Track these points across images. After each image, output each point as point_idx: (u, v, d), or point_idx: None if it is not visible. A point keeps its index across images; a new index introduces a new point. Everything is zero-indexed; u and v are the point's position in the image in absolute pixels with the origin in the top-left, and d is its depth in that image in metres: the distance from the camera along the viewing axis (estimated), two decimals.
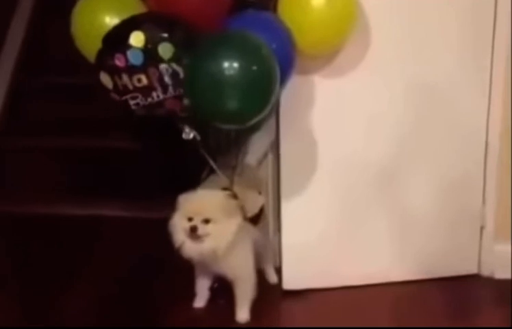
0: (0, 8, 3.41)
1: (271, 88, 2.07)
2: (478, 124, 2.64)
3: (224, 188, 2.44)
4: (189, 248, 2.35)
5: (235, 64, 1.99)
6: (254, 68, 2.03)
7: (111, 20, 2.17)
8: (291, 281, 2.71)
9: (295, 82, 2.40)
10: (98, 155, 3.17)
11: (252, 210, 2.48)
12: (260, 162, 2.72)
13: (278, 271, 2.74)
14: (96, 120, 3.14)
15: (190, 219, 2.32)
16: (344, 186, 2.65)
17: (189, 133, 2.31)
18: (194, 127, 2.30)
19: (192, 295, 2.62)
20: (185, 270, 2.64)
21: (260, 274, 2.71)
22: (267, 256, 2.74)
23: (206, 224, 2.32)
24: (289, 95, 2.44)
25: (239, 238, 2.38)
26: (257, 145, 2.66)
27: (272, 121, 2.60)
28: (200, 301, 2.60)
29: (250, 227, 2.47)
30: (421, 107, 2.60)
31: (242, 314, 2.49)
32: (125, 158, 3.13)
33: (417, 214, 2.69)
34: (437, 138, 2.64)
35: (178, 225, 2.35)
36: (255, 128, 2.42)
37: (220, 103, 2.03)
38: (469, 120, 2.64)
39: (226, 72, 1.99)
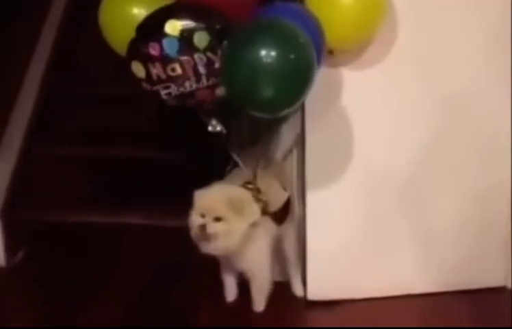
0: (31, 17, 3.43)
1: (308, 77, 2.06)
2: (503, 134, 2.62)
3: (247, 182, 2.42)
4: (202, 245, 2.35)
5: (273, 52, 1.99)
6: (292, 56, 2.02)
7: (139, 11, 2.17)
8: (315, 291, 2.68)
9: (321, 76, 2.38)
10: (122, 164, 3.18)
11: (275, 205, 2.46)
12: (285, 157, 2.69)
13: (303, 281, 2.72)
14: (122, 130, 3.19)
15: (203, 216, 2.32)
16: (369, 196, 2.63)
17: (215, 126, 2.30)
18: (219, 120, 2.30)
19: (212, 302, 2.63)
20: (207, 277, 2.68)
21: (284, 285, 2.72)
22: (294, 265, 2.71)
23: (216, 222, 2.31)
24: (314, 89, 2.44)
25: (256, 235, 2.37)
26: (282, 139, 2.65)
27: (297, 115, 2.59)
28: (229, 295, 2.61)
29: (269, 223, 2.45)
30: (446, 117, 2.58)
31: (258, 307, 2.52)
32: (149, 167, 3.15)
33: (443, 225, 2.67)
34: (462, 148, 2.62)
35: (193, 222, 2.34)
36: (283, 119, 2.42)
37: (256, 91, 2.02)
38: (495, 131, 2.61)
39: (264, 60, 1.98)
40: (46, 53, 3.47)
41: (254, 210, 2.37)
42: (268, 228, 2.46)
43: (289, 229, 2.62)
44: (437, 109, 2.58)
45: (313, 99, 2.46)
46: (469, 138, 2.62)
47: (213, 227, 2.30)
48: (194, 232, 2.34)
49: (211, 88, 2.16)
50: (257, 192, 2.41)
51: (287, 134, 2.65)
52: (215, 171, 2.49)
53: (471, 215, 2.67)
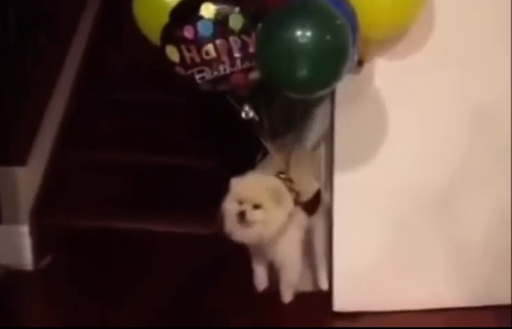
0: (62, 25, 3.49)
1: (343, 58, 2.05)
2: None
3: (279, 172, 2.41)
4: (238, 232, 2.31)
5: (309, 33, 1.98)
6: (328, 37, 2.02)
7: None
8: (342, 303, 2.65)
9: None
10: (151, 171, 3.20)
11: (306, 195, 2.45)
12: (315, 147, 2.68)
13: (329, 292, 2.69)
14: (151, 137, 3.21)
15: (240, 203, 2.30)
16: (399, 207, 2.61)
17: (248, 113, 2.29)
18: (252, 107, 2.29)
19: (242, 310, 2.62)
20: (236, 285, 2.69)
21: (311, 295, 2.71)
22: (321, 258, 2.69)
23: (256, 210, 2.28)
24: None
25: (289, 225, 2.35)
26: (312, 130, 2.64)
27: (327, 107, 2.58)
28: (259, 285, 2.56)
29: (302, 215, 2.43)
30: (476, 131, 2.57)
31: (286, 298, 2.49)
32: (177, 174, 3.16)
33: (473, 239, 2.63)
34: (493, 162, 2.60)
35: (229, 209, 2.32)
36: (316, 104, 2.40)
37: (291, 71, 2.01)
38: None
39: (300, 40, 1.98)
40: (77, 60, 3.52)
41: (290, 200, 2.35)
42: (300, 219, 2.43)
43: (318, 221, 2.61)
44: (470, 120, 2.57)
45: (342, 105, 2.52)
46: (502, 151, 2.59)
47: (252, 215, 2.28)
48: (230, 219, 2.31)
49: (246, 71, 2.15)
50: (289, 182, 2.39)
51: (317, 124, 2.64)
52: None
53: (501, 230, 2.63)
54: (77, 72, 3.49)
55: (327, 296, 2.69)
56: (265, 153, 2.49)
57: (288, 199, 2.34)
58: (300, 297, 2.67)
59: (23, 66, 3.19)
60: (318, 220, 2.60)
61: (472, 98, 2.54)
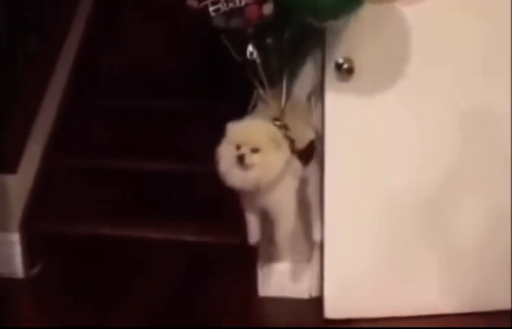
0: (53, 29, 3.47)
1: None
2: None
3: (275, 119, 2.37)
4: (235, 176, 2.27)
5: None
6: None
7: None
8: (333, 309, 2.63)
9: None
10: (143, 177, 3.19)
11: (301, 144, 2.41)
12: (309, 98, 2.62)
13: (320, 299, 2.67)
14: (143, 143, 3.19)
15: (238, 147, 2.26)
16: (390, 214, 2.60)
17: (252, 53, 2.28)
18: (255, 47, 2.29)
19: (233, 316, 2.62)
20: (228, 291, 2.71)
21: (301, 302, 2.73)
22: (315, 209, 2.66)
23: (254, 153, 2.25)
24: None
25: (285, 173, 2.31)
26: (306, 79, 2.58)
27: (318, 57, 2.55)
28: (252, 237, 2.52)
29: (297, 163, 2.40)
30: (469, 137, 2.55)
31: (281, 251, 2.51)
32: (171, 181, 3.14)
33: (465, 246, 2.62)
34: (486, 168, 2.58)
35: (226, 153, 2.28)
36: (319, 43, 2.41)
37: None
38: None
39: None
40: (68, 65, 3.49)
41: (287, 146, 2.32)
42: (295, 168, 2.40)
43: (312, 172, 2.57)
44: (462, 126, 2.54)
45: (333, 112, 2.50)
46: (493, 158, 2.57)
47: (251, 158, 2.24)
48: (227, 163, 2.27)
49: (259, 3, 2.15)
50: (284, 129, 2.36)
51: (310, 74, 2.60)
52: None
53: (494, 236, 2.62)
54: (68, 78, 3.46)
55: (319, 303, 2.68)
56: (255, 105, 2.46)
57: (285, 145, 2.31)
58: (292, 303, 2.68)
59: (14, 70, 3.17)
60: (312, 171, 2.57)
61: (464, 102, 2.52)
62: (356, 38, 2.42)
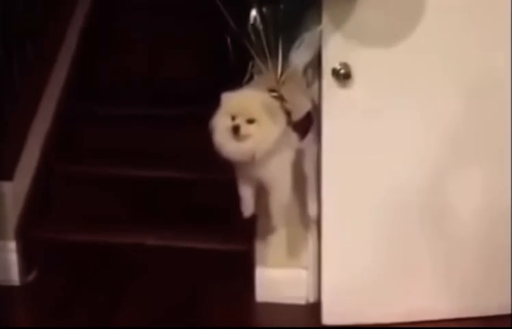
0: (49, 35, 3.47)
1: None
2: None
3: (271, 90, 2.34)
4: (229, 147, 2.25)
5: None
6: None
7: None
8: (331, 316, 2.63)
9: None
10: (140, 185, 3.19)
11: (298, 115, 2.38)
12: (305, 71, 2.56)
13: (318, 305, 2.67)
14: (140, 150, 3.19)
15: (233, 118, 2.24)
16: (387, 220, 2.59)
17: (256, 18, 2.27)
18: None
19: (232, 321, 2.62)
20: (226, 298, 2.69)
21: (299, 309, 2.73)
22: (311, 183, 2.62)
23: (249, 124, 2.23)
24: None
25: (281, 144, 2.29)
26: (303, 50, 2.51)
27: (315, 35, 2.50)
28: (246, 210, 2.48)
29: (292, 134, 2.37)
30: (466, 141, 2.55)
31: (276, 224, 2.47)
32: (168, 188, 3.15)
33: (463, 252, 2.62)
34: (484, 168, 2.57)
35: (221, 124, 2.26)
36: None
37: None
38: None
39: None
40: (64, 72, 3.48)
41: (283, 117, 2.30)
42: (291, 139, 2.37)
43: (309, 145, 2.55)
44: (457, 129, 2.54)
45: (329, 117, 2.49)
46: (491, 156, 2.57)
47: (247, 128, 2.22)
48: (222, 133, 2.25)
49: None
50: (281, 100, 2.33)
51: (307, 47, 2.53)
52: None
53: (494, 240, 2.62)
54: (64, 85, 3.45)
55: (316, 309, 2.67)
56: (251, 77, 2.43)
57: (281, 115, 2.29)
58: (289, 309, 2.66)
59: (9, 77, 3.16)
60: (309, 143, 2.54)
61: (462, 105, 2.52)
62: (352, 43, 2.42)
